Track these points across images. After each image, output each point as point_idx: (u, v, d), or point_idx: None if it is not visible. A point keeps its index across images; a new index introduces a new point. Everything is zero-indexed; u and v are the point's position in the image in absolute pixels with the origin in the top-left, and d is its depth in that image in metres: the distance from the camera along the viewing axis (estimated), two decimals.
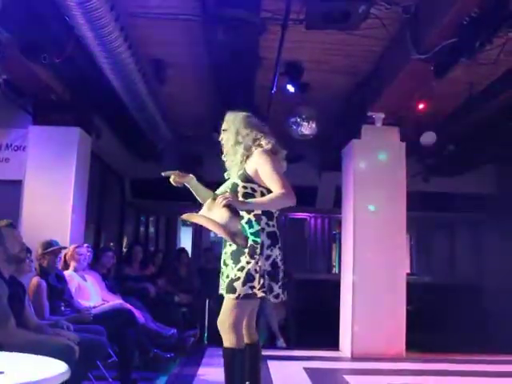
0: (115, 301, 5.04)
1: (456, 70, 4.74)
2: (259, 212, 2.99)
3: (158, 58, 5.57)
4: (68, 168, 5.93)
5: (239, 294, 2.89)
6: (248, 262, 2.91)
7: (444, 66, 4.53)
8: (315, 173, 9.31)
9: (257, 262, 2.91)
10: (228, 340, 2.98)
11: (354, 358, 6.00)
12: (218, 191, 3.19)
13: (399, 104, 6.01)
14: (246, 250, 2.91)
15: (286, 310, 7.38)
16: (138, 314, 5.05)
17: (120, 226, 9.35)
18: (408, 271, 9.91)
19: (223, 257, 3.09)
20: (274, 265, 2.98)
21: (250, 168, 3.05)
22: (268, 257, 2.96)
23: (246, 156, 3.11)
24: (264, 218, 3.00)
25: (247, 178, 3.04)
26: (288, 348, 6.82)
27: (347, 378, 4.88)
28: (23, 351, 2.45)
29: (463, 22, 3.97)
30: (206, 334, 7.03)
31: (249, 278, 2.89)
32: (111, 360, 4.57)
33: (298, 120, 6.20)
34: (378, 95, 5.80)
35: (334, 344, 6.05)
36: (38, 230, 5.31)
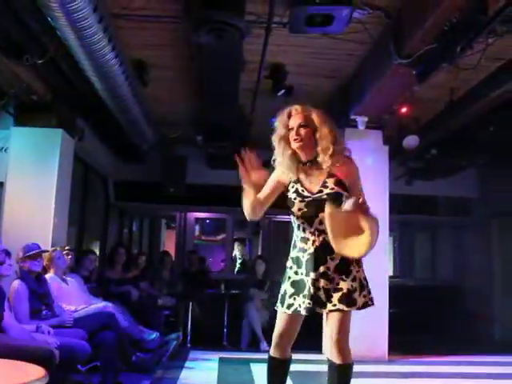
0: (97, 304, 5.00)
1: (438, 75, 4.80)
2: None
3: (141, 60, 5.55)
4: (50, 170, 5.88)
5: (359, 305, 2.78)
6: (358, 271, 2.83)
7: (426, 70, 4.57)
8: None
9: (363, 270, 2.87)
10: (350, 357, 2.81)
11: None
12: (303, 205, 2.86)
13: (382, 107, 6.06)
14: (353, 260, 2.80)
15: (269, 312, 7.38)
16: (120, 317, 5.02)
17: (103, 228, 9.29)
18: (391, 273, 9.98)
19: (322, 272, 2.79)
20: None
21: (344, 175, 2.88)
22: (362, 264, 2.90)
23: (330, 158, 2.84)
24: None
25: (343, 186, 2.87)
26: None
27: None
28: (2, 356, 2.42)
29: (444, 28, 4.02)
30: (189, 337, 7.01)
31: (362, 287, 2.82)
32: (93, 364, 4.53)
33: None
34: (361, 99, 5.84)
35: (316, 347, 6.06)
36: (20, 232, 5.26)
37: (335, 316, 2.77)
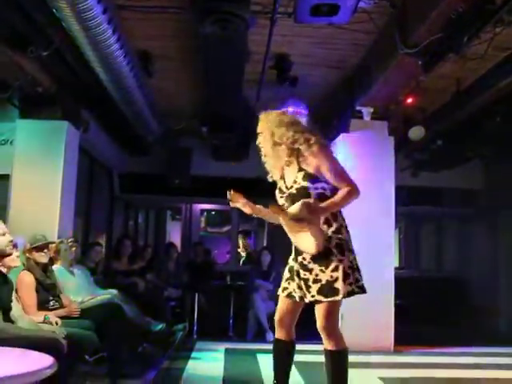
0: (103, 295, 5.02)
1: (444, 65, 4.76)
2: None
3: (146, 51, 5.54)
4: (56, 162, 5.89)
5: (344, 294, 2.83)
6: (341, 260, 2.87)
7: (432, 60, 4.54)
8: None
9: (348, 258, 2.90)
10: (339, 343, 2.91)
11: None
12: (283, 200, 3.06)
13: (388, 98, 6.04)
14: (335, 250, 2.87)
15: (275, 303, 7.39)
16: (126, 308, 5.03)
17: (109, 220, 9.31)
18: (397, 265, 9.98)
19: (299, 262, 2.97)
20: (355, 257, 2.98)
21: (312, 167, 2.95)
22: (353, 251, 2.97)
23: (297, 156, 2.99)
24: (339, 214, 3.00)
25: (314, 178, 2.95)
26: None
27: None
28: (11, 346, 2.44)
29: (451, 17, 3.98)
30: (195, 328, 7.03)
31: (346, 276, 2.86)
32: (100, 354, 4.56)
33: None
34: (367, 89, 5.81)
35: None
36: (26, 224, 5.27)
37: (319, 306, 2.89)
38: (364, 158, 6.48)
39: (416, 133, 6.52)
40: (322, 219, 2.90)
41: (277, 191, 3.11)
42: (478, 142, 7.54)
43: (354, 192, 2.89)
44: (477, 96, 5.76)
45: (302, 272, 2.94)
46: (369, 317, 6.17)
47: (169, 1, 4.55)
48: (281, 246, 9.81)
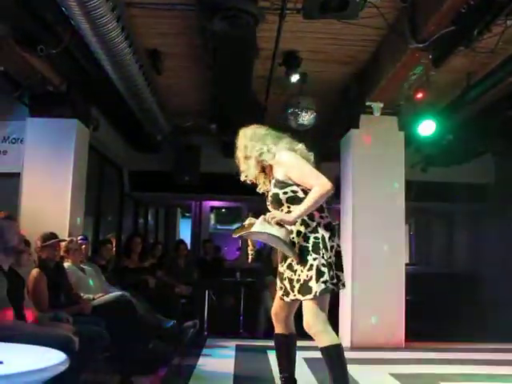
0: (115, 292, 5.03)
1: (454, 59, 4.73)
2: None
3: (155, 49, 5.55)
4: (66, 160, 5.91)
5: (316, 292, 2.91)
6: (315, 259, 2.94)
7: (442, 54, 4.51)
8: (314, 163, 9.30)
9: (322, 256, 2.95)
10: (325, 339, 2.96)
11: (353, 348, 6.01)
12: (270, 207, 3.21)
13: (398, 93, 6.00)
14: (311, 249, 2.96)
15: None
16: (137, 305, 5.05)
17: (119, 217, 9.35)
18: (407, 261, 9.94)
19: (289, 264, 3.09)
20: (337, 254, 3.05)
21: (280, 174, 3.10)
22: (331, 248, 3.01)
23: (269, 167, 3.19)
24: (316, 213, 3.04)
25: (282, 184, 3.08)
26: None
27: (347, 367, 4.89)
28: (23, 343, 2.45)
29: (461, 10, 3.95)
30: (205, 325, 7.04)
31: (320, 274, 2.92)
32: (111, 351, 4.57)
33: (297, 110, 6.19)
34: (377, 84, 5.78)
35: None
36: (37, 222, 5.30)
37: (303, 305, 3.02)
38: (374, 154, 6.45)
39: (426, 128, 6.47)
40: (299, 221, 3.00)
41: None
42: (489, 137, 7.49)
43: (323, 188, 2.93)
44: (487, 90, 5.71)
45: (287, 272, 3.07)
46: (380, 313, 6.15)
47: None
48: None
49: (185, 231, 12.34)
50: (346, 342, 6.26)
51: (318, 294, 2.91)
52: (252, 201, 10.22)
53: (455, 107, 6.50)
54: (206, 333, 6.96)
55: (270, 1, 4.38)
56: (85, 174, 6.34)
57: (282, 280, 3.15)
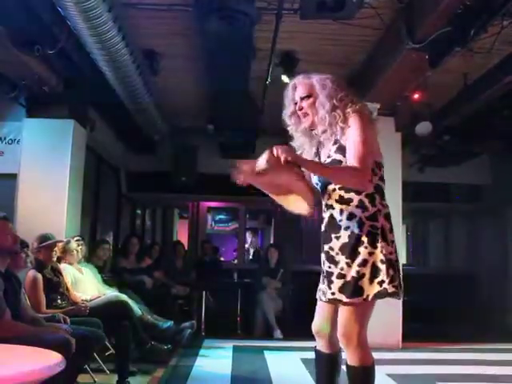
0: (111, 293, 5.04)
1: (451, 60, 4.73)
2: (372, 190, 2.45)
3: (151, 49, 5.54)
4: (63, 161, 5.90)
5: (368, 295, 2.34)
6: (371, 253, 2.35)
7: (439, 55, 4.52)
8: None
9: (381, 251, 2.36)
10: (361, 357, 2.40)
11: None
12: (316, 180, 2.59)
13: (394, 94, 6.00)
14: (365, 239, 2.36)
15: (282, 301, 7.40)
16: (134, 306, 5.05)
17: (116, 218, 9.34)
18: (404, 262, 9.95)
19: (327, 253, 2.48)
20: (394, 251, 2.44)
21: (346, 138, 2.47)
22: (391, 242, 2.43)
23: (330, 128, 2.52)
24: (377, 197, 2.47)
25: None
26: (285, 339, 6.85)
27: (344, 368, 4.89)
28: (19, 343, 2.45)
29: (458, 11, 3.96)
30: (203, 326, 7.04)
31: (376, 273, 2.34)
32: (108, 352, 4.58)
33: None
34: (373, 85, 5.78)
35: None
36: (34, 223, 5.29)
37: (341, 309, 2.42)
38: None
39: (423, 128, 6.48)
40: (356, 201, 2.42)
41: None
42: (486, 137, 7.50)
43: (356, 174, 2.34)
44: (484, 91, 5.73)
45: (326, 264, 2.46)
46: (377, 314, 6.13)
47: None
48: (288, 244, 9.84)
49: (182, 232, 12.34)
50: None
51: (370, 297, 2.34)
52: (249, 201, 10.28)
53: (452, 107, 6.51)
54: (203, 333, 6.95)
55: (266, 1, 4.38)
56: (82, 174, 6.33)
57: (322, 279, 2.53)
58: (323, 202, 2.57)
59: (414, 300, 7.39)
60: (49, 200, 5.78)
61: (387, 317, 6.24)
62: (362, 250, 2.36)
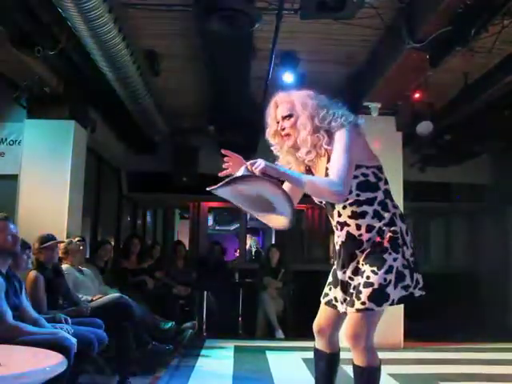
0: (113, 294, 5.03)
1: (452, 60, 4.73)
2: (382, 197, 2.44)
3: (152, 50, 5.54)
4: (64, 161, 5.90)
5: (393, 300, 2.35)
6: (395, 259, 2.34)
7: (439, 54, 4.52)
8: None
9: (403, 256, 2.38)
10: (366, 359, 2.41)
11: None
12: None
13: (395, 93, 6.00)
14: (388, 245, 2.36)
15: (284, 300, 7.40)
16: (135, 306, 5.05)
17: (117, 219, 9.34)
18: None
19: (347, 267, 2.46)
20: (413, 252, 2.46)
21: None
22: (410, 243, 2.45)
23: (312, 149, 2.48)
24: (389, 202, 2.46)
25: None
26: (286, 339, 6.85)
27: (345, 367, 4.86)
28: (21, 344, 2.45)
29: (458, 10, 3.96)
30: (204, 326, 7.04)
31: (401, 278, 2.35)
32: (109, 353, 4.57)
33: None
34: (374, 85, 5.79)
35: None
36: (35, 224, 5.29)
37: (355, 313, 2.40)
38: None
39: (424, 128, 6.47)
40: (371, 212, 2.40)
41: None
42: (487, 137, 7.49)
43: (332, 188, 2.28)
44: (485, 90, 5.72)
45: (355, 279, 2.42)
46: None
47: None
48: (289, 244, 9.82)
49: (183, 232, 12.33)
50: (344, 343, 6.26)
51: (395, 301, 2.36)
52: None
53: (453, 107, 6.51)
54: (204, 334, 6.95)
55: (267, 1, 4.38)
56: (82, 175, 6.33)
57: (345, 291, 2.49)
58: (333, 221, 2.56)
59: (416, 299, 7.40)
60: (50, 201, 5.78)
61: (389, 316, 6.19)
62: (386, 256, 2.35)
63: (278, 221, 2.38)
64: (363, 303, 2.35)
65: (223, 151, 2.57)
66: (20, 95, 5.80)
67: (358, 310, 2.37)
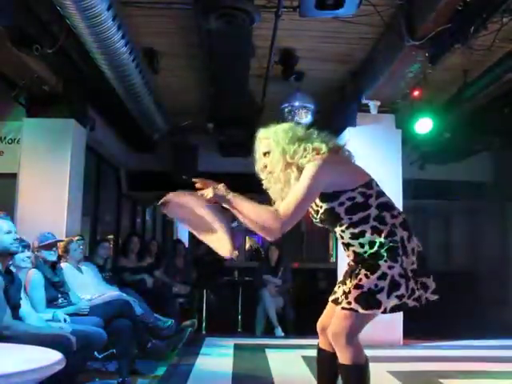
0: (112, 292, 5.03)
1: (451, 57, 4.73)
2: (376, 213, 2.46)
3: (151, 48, 5.54)
4: (63, 160, 5.89)
5: (386, 308, 2.38)
6: (390, 267, 2.37)
7: (439, 52, 4.51)
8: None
9: (401, 265, 2.39)
10: (351, 355, 2.44)
11: None
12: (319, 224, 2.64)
13: (395, 91, 6.00)
14: (385, 254, 2.38)
15: (283, 298, 7.40)
16: (135, 305, 5.04)
17: (116, 217, 9.34)
18: None
19: (347, 269, 2.61)
20: (420, 257, 2.50)
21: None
22: (412, 251, 2.46)
23: (286, 185, 2.53)
24: (386, 214, 2.48)
25: (330, 196, 2.46)
26: (286, 336, 6.85)
27: None
28: (20, 343, 2.45)
29: (458, 8, 3.95)
30: (204, 324, 7.04)
31: (395, 287, 2.37)
32: (109, 351, 4.57)
33: (293, 108, 6.18)
34: (374, 82, 5.78)
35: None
36: (34, 222, 5.29)
37: (341, 312, 2.46)
38: (371, 152, 6.42)
39: (423, 125, 6.47)
40: (369, 230, 2.44)
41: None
42: (486, 134, 7.49)
43: (275, 225, 2.33)
44: (484, 88, 5.71)
45: (353, 276, 2.49)
46: None
47: None
48: (288, 242, 9.83)
49: (183, 230, 12.32)
50: None
51: (388, 310, 2.39)
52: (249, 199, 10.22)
53: (452, 105, 6.49)
54: (204, 332, 6.96)
55: None
56: (82, 173, 6.32)
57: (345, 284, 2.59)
58: (339, 241, 2.62)
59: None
60: (49, 199, 5.78)
61: (388, 314, 6.27)
62: (381, 263, 2.38)
63: (221, 246, 2.49)
64: (349, 303, 2.40)
65: (194, 180, 2.73)
66: (19, 94, 5.79)
67: (342, 308, 2.43)
